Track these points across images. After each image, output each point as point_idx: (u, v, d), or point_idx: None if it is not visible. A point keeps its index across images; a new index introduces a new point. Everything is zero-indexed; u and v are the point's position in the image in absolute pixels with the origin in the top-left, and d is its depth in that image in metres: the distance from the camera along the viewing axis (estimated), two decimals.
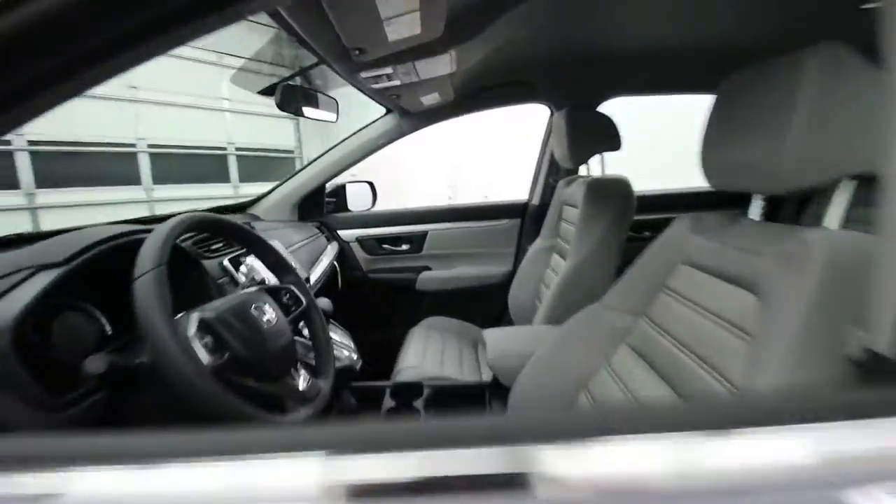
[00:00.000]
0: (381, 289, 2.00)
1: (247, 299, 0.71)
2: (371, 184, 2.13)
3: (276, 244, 1.27)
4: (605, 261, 1.29)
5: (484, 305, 2.00)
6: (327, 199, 2.01)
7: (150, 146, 5.16)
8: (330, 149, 1.80)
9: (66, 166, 4.55)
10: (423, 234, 1.96)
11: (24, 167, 4.23)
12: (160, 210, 5.11)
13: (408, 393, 1.27)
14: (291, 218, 1.86)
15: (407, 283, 1.96)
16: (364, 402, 1.29)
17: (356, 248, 1.97)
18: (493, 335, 1.19)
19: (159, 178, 5.27)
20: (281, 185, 1.83)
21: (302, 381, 0.76)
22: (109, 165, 4.91)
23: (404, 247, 1.99)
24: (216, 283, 0.94)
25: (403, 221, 1.98)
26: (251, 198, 1.83)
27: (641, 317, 0.84)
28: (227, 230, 0.82)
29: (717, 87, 0.68)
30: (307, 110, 1.41)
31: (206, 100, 5.67)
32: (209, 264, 0.96)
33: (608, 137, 1.37)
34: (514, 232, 1.96)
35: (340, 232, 1.97)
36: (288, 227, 1.66)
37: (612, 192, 1.32)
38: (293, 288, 0.88)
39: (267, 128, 6.45)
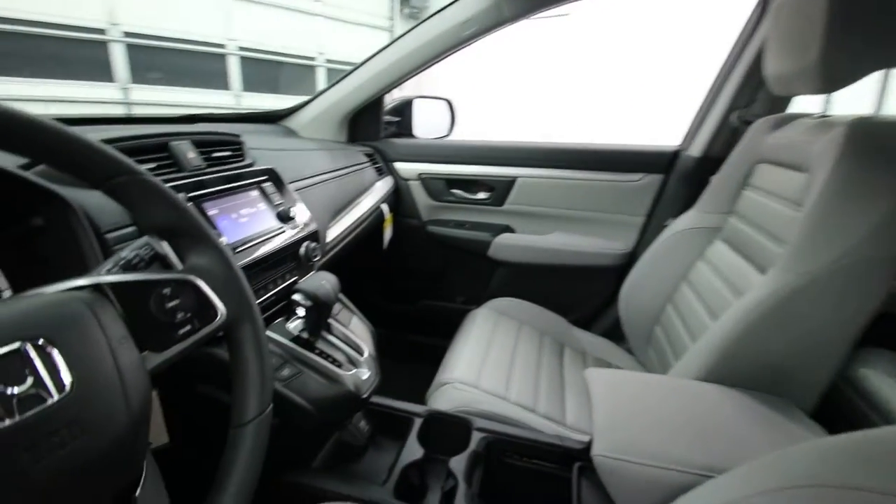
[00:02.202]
0: (442, 248, 1.50)
1: None
2: (449, 102, 1.57)
3: (268, 164, 0.80)
4: (867, 285, 0.65)
5: (581, 294, 1.42)
6: (387, 119, 1.50)
7: (242, 49, 4.92)
8: (391, 43, 1.25)
9: (157, 59, 4.47)
10: (511, 181, 1.39)
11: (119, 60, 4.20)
12: None
13: (446, 438, 0.80)
14: (337, 138, 1.39)
15: (478, 245, 1.44)
16: (383, 428, 0.86)
17: (417, 188, 1.47)
18: (604, 391, 0.64)
19: (250, 84, 5.07)
20: (325, 91, 1.34)
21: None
22: (196, 64, 4.73)
23: (482, 195, 1.45)
24: (101, 238, 0.49)
25: (486, 159, 1.42)
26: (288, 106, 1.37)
27: None
28: None
29: None
30: None
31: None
32: (101, 201, 0.51)
33: None
34: (649, 195, 1.31)
35: (399, 165, 1.46)
36: (322, 149, 1.19)
37: None
38: (197, 283, 0.40)
39: (359, 40, 5.93)
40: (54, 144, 0.32)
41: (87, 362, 0.29)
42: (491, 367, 1.01)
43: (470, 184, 1.44)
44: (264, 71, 5.19)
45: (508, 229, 1.45)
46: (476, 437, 0.78)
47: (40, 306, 0.29)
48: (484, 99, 5.65)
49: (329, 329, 0.77)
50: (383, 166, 1.42)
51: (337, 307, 0.84)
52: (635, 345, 1.17)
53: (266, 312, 0.71)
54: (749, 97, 1.12)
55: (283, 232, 0.74)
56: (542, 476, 0.78)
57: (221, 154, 0.74)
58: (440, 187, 1.45)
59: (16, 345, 0.26)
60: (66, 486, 0.26)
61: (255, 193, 0.73)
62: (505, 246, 1.42)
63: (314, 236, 0.82)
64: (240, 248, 0.64)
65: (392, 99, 1.53)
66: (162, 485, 0.33)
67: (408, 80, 1.28)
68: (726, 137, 1.15)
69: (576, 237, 1.40)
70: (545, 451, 0.78)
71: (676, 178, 1.26)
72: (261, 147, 0.88)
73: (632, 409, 0.61)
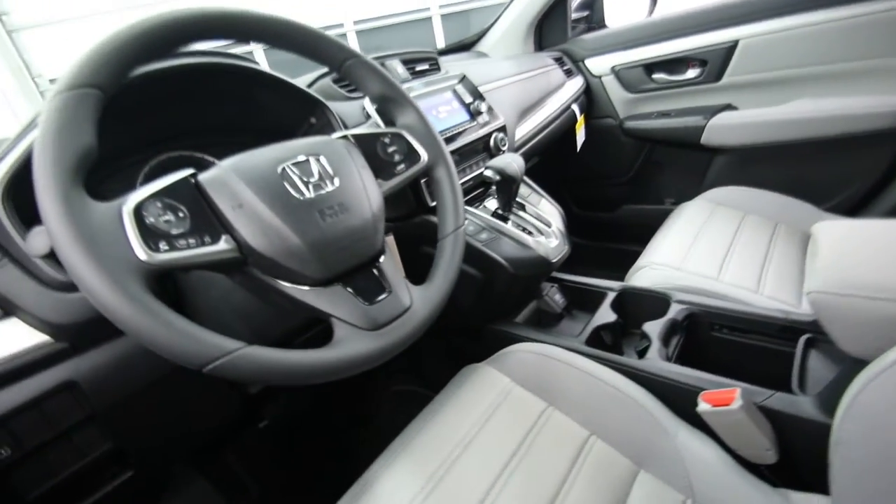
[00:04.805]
0: (644, 145, 1.38)
1: (279, 153, 0.43)
2: None
3: (459, 72, 0.92)
4: None
5: (841, 172, 1.11)
6: (575, 17, 1.43)
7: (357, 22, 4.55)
8: None
9: None
10: (730, 47, 1.16)
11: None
12: None
13: (641, 309, 0.80)
14: (524, 49, 1.42)
15: (687, 133, 1.27)
16: (577, 302, 0.92)
17: (611, 83, 1.37)
18: (833, 239, 0.54)
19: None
20: (507, 7, 1.37)
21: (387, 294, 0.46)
22: None
23: (691, 73, 1.25)
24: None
25: (694, 27, 1.20)
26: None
27: None
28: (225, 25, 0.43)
29: None
30: None
31: None
32: (346, 108, 0.72)
33: None
34: None
35: (590, 62, 1.39)
36: (506, 58, 1.25)
37: None
38: (405, 134, 0.54)
39: None
40: (308, 40, 0.49)
41: (346, 172, 0.45)
42: (700, 252, 0.93)
43: (675, 63, 1.26)
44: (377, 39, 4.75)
45: (729, 108, 1.22)
46: (675, 308, 0.77)
47: (320, 139, 0.47)
48: None
49: (520, 207, 0.87)
50: (572, 67, 1.38)
51: (527, 191, 0.92)
52: None
53: (467, 195, 0.86)
54: None
55: (475, 125, 0.86)
56: (755, 351, 0.71)
57: (422, 68, 0.90)
58: (638, 76, 1.32)
59: (308, 157, 0.44)
60: (338, 237, 0.43)
61: (448, 95, 0.86)
62: (725, 127, 1.20)
63: (502, 129, 0.91)
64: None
65: None
66: (399, 264, 0.49)
67: None
68: None
69: (832, 99, 1.08)
70: (764, 325, 0.71)
71: None
72: (451, 61, 1.01)
73: (866, 249, 0.49)
